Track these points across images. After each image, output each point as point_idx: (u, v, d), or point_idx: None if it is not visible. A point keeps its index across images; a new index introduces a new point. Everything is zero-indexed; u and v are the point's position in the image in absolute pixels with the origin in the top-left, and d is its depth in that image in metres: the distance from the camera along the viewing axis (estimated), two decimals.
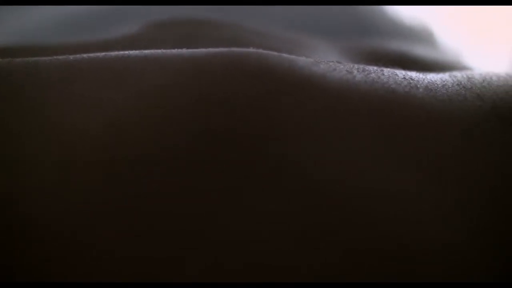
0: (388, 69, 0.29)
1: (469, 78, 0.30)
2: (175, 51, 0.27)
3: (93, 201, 0.21)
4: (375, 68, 0.29)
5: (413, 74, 0.29)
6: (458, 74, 0.30)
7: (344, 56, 0.40)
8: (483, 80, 0.30)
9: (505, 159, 0.26)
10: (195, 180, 0.22)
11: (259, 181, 0.22)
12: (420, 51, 0.44)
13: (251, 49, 0.27)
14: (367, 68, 0.28)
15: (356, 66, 0.28)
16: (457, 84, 0.29)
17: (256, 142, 0.23)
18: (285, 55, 0.28)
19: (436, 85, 0.28)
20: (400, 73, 0.29)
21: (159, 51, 0.28)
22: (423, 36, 0.63)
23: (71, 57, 0.28)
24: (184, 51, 0.27)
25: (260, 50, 0.27)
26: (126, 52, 0.28)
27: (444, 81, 0.29)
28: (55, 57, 0.28)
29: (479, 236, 0.23)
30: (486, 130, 0.26)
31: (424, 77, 0.29)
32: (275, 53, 0.27)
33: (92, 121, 0.24)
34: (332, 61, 0.28)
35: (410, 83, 0.28)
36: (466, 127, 0.26)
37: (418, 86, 0.28)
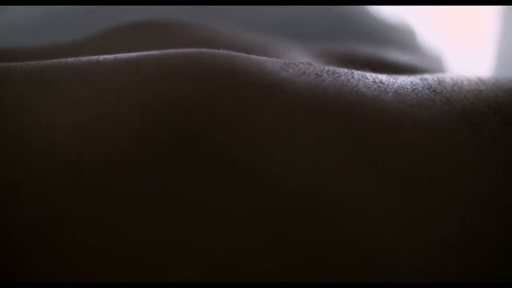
0: (359, 72, 0.29)
1: (439, 82, 0.30)
2: (145, 53, 0.27)
3: (64, 201, 0.21)
4: (345, 70, 0.28)
5: (384, 78, 0.29)
6: (429, 78, 0.30)
7: (316, 59, 0.40)
8: (454, 84, 0.30)
9: (472, 165, 0.26)
10: (168, 181, 0.22)
11: (229, 185, 0.22)
12: (393, 54, 0.44)
13: (220, 51, 0.27)
14: (337, 71, 0.28)
15: (326, 68, 0.28)
16: (427, 88, 0.29)
17: (221, 146, 0.23)
18: (254, 57, 0.27)
19: (406, 89, 0.28)
20: (370, 76, 0.28)
21: (130, 54, 0.27)
22: (403, 37, 0.63)
23: (42, 62, 0.27)
24: (154, 53, 0.27)
25: (230, 52, 0.27)
26: (96, 56, 0.27)
27: (414, 85, 0.29)
28: (26, 62, 0.28)
29: (445, 241, 0.23)
30: (455, 136, 0.26)
31: (394, 80, 0.29)
32: (245, 55, 0.27)
33: (64, 124, 0.23)
34: (303, 63, 0.28)
35: (380, 86, 0.27)
36: (434, 132, 0.26)
37: (388, 90, 0.27)
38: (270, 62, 0.27)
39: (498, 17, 1.04)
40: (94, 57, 0.27)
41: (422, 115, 0.27)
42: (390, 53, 0.44)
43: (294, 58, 0.38)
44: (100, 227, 0.21)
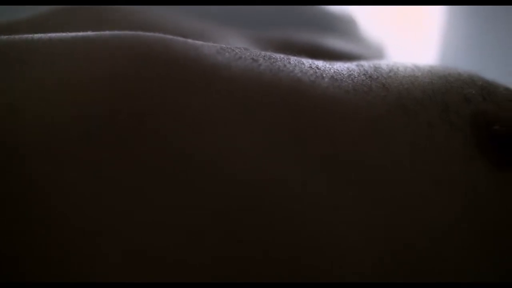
0: (295, 57, 0.29)
1: (376, 68, 0.30)
2: (81, 34, 0.26)
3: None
4: (282, 56, 0.28)
5: (320, 63, 0.29)
6: (365, 64, 0.30)
7: (253, 46, 0.40)
8: (390, 71, 0.30)
9: (408, 152, 0.26)
10: (99, 163, 0.22)
11: (159, 171, 0.22)
12: (331, 41, 0.44)
13: (156, 34, 0.26)
14: (273, 56, 0.28)
15: (262, 53, 0.28)
16: (364, 74, 0.29)
17: (153, 131, 0.23)
18: (191, 41, 0.27)
19: (342, 74, 0.28)
20: (307, 61, 0.28)
21: (66, 34, 0.27)
22: (345, 26, 0.63)
23: None
24: (90, 34, 0.26)
25: (166, 36, 0.26)
26: (31, 35, 0.27)
27: (350, 71, 0.29)
28: None
29: (378, 228, 0.24)
30: (390, 122, 0.26)
31: (330, 66, 0.29)
32: (181, 39, 0.27)
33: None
34: (239, 48, 0.28)
35: (316, 72, 0.27)
36: (369, 118, 0.26)
37: (324, 75, 0.27)
38: (207, 47, 0.27)
39: (443, 8, 1.06)
40: (29, 36, 0.26)
41: (358, 100, 0.27)
42: (328, 40, 0.44)
43: (231, 44, 0.38)
44: None
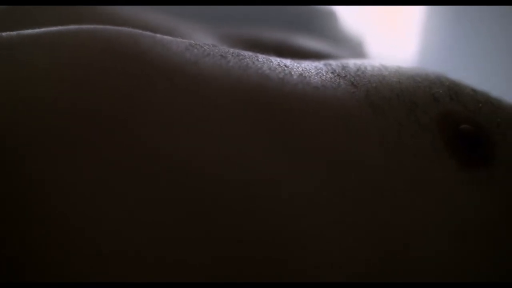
0: (263, 55, 0.28)
1: (343, 67, 0.30)
2: (49, 29, 0.26)
3: None
4: (250, 53, 0.28)
5: (288, 62, 0.29)
6: (333, 63, 0.30)
7: (221, 43, 0.40)
8: (357, 69, 0.30)
9: (377, 148, 0.26)
10: (61, 161, 0.21)
11: (125, 167, 0.21)
12: (301, 41, 0.44)
13: (125, 29, 0.26)
14: (242, 53, 0.28)
15: (231, 50, 0.28)
16: (332, 72, 0.29)
17: (122, 126, 0.22)
18: (159, 37, 0.26)
19: (310, 72, 0.28)
20: (275, 59, 0.28)
21: (34, 31, 0.26)
22: (323, 22, 0.63)
23: None
24: (59, 28, 0.26)
25: (135, 31, 0.26)
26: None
27: (318, 69, 0.29)
28: None
29: (345, 218, 0.23)
30: (359, 117, 0.26)
31: (298, 65, 0.29)
32: (150, 35, 0.26)
33: None
34: (208, 44, 0.28)
35: (285, 70, 0.27)
36: (338, 113, 0.26)
37: (292, 73, 0.27)
38: (175, 43, 0.26)
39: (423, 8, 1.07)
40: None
41: (327, 96, 0.26)
42: (297, 39, 0.44)
43: (199, 40, 0.38)
44: None
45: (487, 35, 0.98)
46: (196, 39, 0.37)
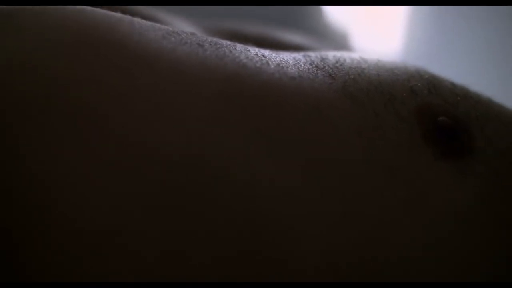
0: (241, 45, 0.28)
1: (322, 59, 0.30)
2: (24, 6, 0.26)
3: None
4: (228, 42, 0.28)
5: (266, 52, 0.29)
6: (312, 54, 0.30)
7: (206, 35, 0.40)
8: (336, 61, 0.30)
9: (355, 136, 0.26)
10: (20, 148, 0.21)
11: (101, 155, 0.21)
12: (282, 34, 0.44)
13: (104, 12, 0.26)
14: (219, 42, 0.27)
15: (209, 39, 0.28)
16: (310, 64, 0.29)
17: (96, 117, 0.22)
18: (138, 22, 0.26)
19: (288, 63, 0.28)
20: (253, 49, 0.28)
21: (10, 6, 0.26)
22: (309, 15, 0.63)
23: None
24: (33, 7, 0.26)
25: (113, 15, 0.26)
26: None
27: (296, 60, 0.29)
28: None
29: (325, 209, 0.23)
30: (336, 107, 0.26)
31: (276, 55, 0.29)
32: (128, 20, 0.26)
33: None
34: (185, 33, 0.27)
35: (262, 59, 0.27)
36: (314, 103, 0.26)
37: (270, 63, 0.27)
38: (153, 30, 0.26)
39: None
40: None
41: (304, 87, 0.26)
42: (279, 32, 0.44)
43: (178, 27, 0.38)
44: None
45: (471, 30, 0.98)
46: (175, 27, 0.37)
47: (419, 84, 0.30)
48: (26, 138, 0.21)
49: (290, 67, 0.27)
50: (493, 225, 0.27)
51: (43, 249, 0.20)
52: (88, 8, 0.26)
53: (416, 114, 0.28)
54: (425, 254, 0.25)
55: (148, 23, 0.27)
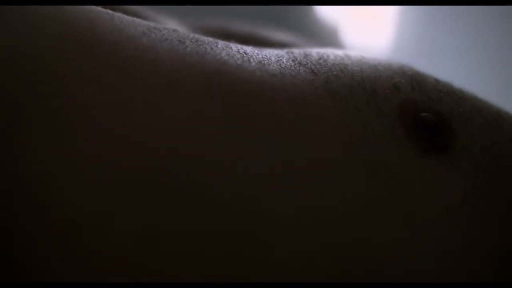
0: (223, 41, 0.28)
1: (305, 55, 0.30)
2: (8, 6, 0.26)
3: None
4: (210, 39, 0.28)
5: (248, 49, 0.29)
6: (295, 51, 0.30)
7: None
8: (319, 58, 0.30)
9: (335, 132, 0.26)
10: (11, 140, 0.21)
11: (81, 149, 0.22)
12: (269, 32, 0.44)
13: (84, 8, 0.26)
14: (201, 39, 0.27)
15: (190, 36, 0.28)
16: (292, 60, 0.29)
17: (79, 111, 0.22)
18: (118, 18, 0.26)
19: (270, 60, 0.28)
20: (235, 46, 0.28)
21: None
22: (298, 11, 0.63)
23: None
24: (17, 6, 0.26)
25: (93, 10, 0.26)
26: None
27: (279, 57, 0.29)
28: None
29: (305, 202, 0.23)
30: (317, 103, 0.26)
31: (259, 52, 0.29)
32: (108, 16, 0.26)
33: None
34: (167, 29, 0.27)
35: (244, 56, 0.27)
36: (295, 100, 0.26)
37: (252, 60, 0.27)
38: (133, 27, 0.26)
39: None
40: None
41: (285, 84, 0.26)
42: (266, 31, 0.44)
43: (161, 23, 0.38)
44: None
45: (460, 27, 0.99)
46: (160, 23, 0.37)
47: (403, 81, 0.30)
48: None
49: (272, 64, 0.27)
50: (477, 220, 0.27)
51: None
52: (67, 6, 0.26)
53: (399, 111, 0.28)
54: (408, 252, 0.25)
55: (129, 18, 0.27)
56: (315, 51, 0.31)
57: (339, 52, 0.31)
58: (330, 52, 0.31)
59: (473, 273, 0.26)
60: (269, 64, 0.27)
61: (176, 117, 0.23)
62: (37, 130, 0.21)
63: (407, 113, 0.28)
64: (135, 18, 0.27)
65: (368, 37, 1.04)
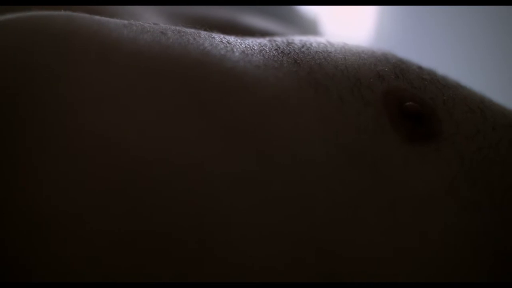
0: (206, 32, 0.28)
1: (288, 44, 0.29)
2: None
3: None
4: (192, 30, 0.28)
5: (231, 38, 0.28)
6: (278, 39, 0.30)
7: (170, 22, 0.39)
8: (302, 46, 0.29)
9: (316, 124, 0.26)
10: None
11: (61, 145, 0.21)
12: (250, 20, 0.44)
13: (61, 12, 0.26)
14: (183, 30, 0.27)
15: (172, 27, 0.27)
16: (275, 49, 0.28)
17: (56, 106, 0.22)
18: (97, 17, 0.26)
19: (253, 49, 0.28)
20: (218, 36, 0.28)
21: None
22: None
23: None
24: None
25: (70, 13, 0.26)
26: None
27: (262, 46, 0.28)
28: None
29: (286, 198, 0.23)
30: (298, 96, 0.26)
31: (242, 41, 0.28)
32: (86, 15, 0.26)
33: None
34: (149, 23, 0.27)
35: (227, 46, 0.27)
36: (277, 93, 0.26)
37: (235, 50, 0.27)
38: (113, 22, 0.26)
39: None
40: None
41: (267, 76, 0.26)
42: (246, 17, 0.44)
43: (148, 20, 0.37)
44: None
45: (442, 15, 0.99)
46: (145, 19, 0.37)
47: (386, 69, 0.30)
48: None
49: (255, 55, 0.27)
50: (461, 208, 0.27)
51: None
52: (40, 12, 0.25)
53: (382, 99, 0.28)
54: (387, 239, 0.25)
55: (108, 18, 0.26)
56: (298, 39, 0.30)
57: (322, 40, 0.31)
58: (313, 40, 0.31)
59: (459, 262, 0.26)
60: (252, 55, 0.27)
61: (157, 110, 0.23)
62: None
63: (391, 102, 0.28)
64: (114, 19, 0.27)
65: (348, 28, 1.05)
